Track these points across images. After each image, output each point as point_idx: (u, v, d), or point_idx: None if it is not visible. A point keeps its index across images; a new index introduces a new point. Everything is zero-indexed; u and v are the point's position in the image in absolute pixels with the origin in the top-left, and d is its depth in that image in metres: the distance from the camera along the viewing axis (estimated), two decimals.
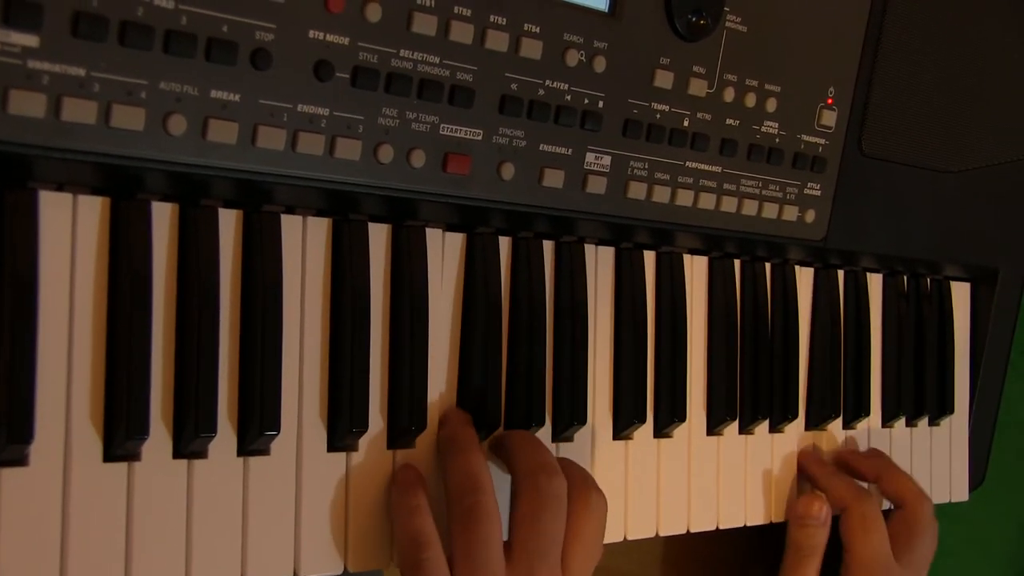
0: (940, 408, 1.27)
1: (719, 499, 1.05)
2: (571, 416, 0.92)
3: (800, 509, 1.08)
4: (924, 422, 1.25)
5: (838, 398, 1.15)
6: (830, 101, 1.02)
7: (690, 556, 1.32)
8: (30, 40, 0.62)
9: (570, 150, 0.86)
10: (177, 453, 0.73)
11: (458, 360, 0.87)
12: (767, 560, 1.14)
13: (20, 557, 0.66)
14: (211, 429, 0.73)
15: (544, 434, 0.91)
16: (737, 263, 1.06)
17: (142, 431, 0.70)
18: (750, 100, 0.95)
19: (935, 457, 1.27)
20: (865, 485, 1.13)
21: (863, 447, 1.19)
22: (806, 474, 1.12)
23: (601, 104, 0.87)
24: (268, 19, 0.70)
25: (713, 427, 1.04)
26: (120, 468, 0.71)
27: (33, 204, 0.67)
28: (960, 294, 1.29)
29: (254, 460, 0.76)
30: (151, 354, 0.71)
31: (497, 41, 0.80)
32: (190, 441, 0.72)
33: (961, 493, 1.31)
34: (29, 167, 0.66)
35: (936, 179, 1.14)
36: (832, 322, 1.14)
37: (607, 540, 0.92)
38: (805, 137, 1.01)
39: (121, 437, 0.69)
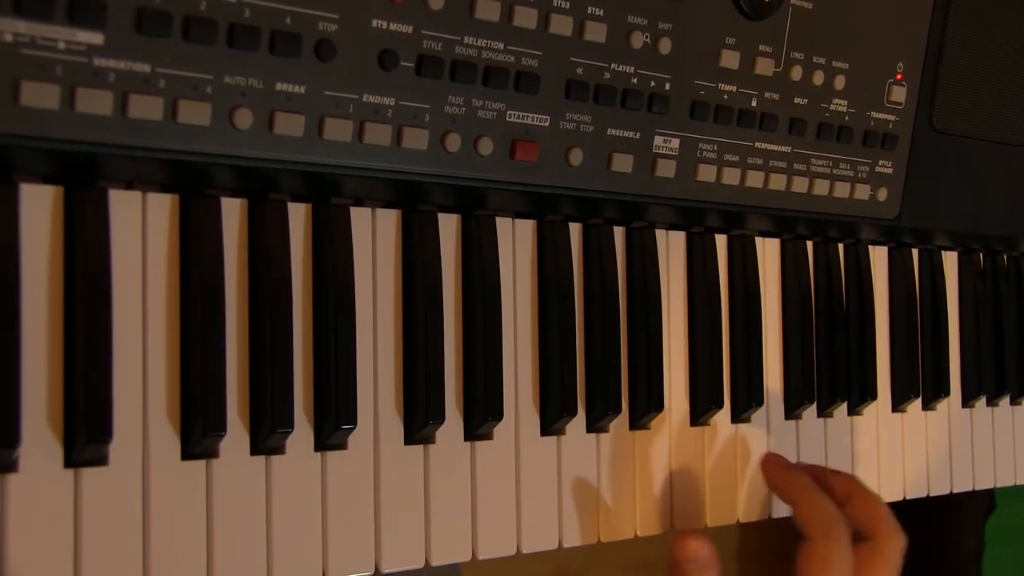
0: (1022, 386, 1.24)
1: None
2: (648, 403, 0.91)
3: (674, 553, 0.85)
4: (1006, 401, 1.23)
5: (917, 379, 1.13)
6: (899, 76, 1.00)
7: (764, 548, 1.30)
8: (95, 38, 0.62)
9: (638, 134, 0.85)
10: (255, 449, 0.73)
11: (537, 348, 0.86)
12: None
13: (103, 557, 0.67)
14: (288, 425, 0.72)
15: (621, 422, 0.90)
16: (809, 244, 1.05)
17: (219, 428, 0.70)
18: (818, 78, 0.94)
19: (1018, 437, 1.25)
20: None
21: (944, 428, 1.17)
22: (770, 484, 0.96)
23: (668, 86, 0.86)
24: (331, 10, 0.70)
25: (791, 411, 1.02)
26: (198, 466, 0.71)
27: (103, 203, 0.67)
28: None
29: (332, 455, 0.76)
30: (225, 351, 0.71)
31: (561, 25, 0.79)
32: (267, 437, 0.72)
33: None
34: (98, 165, 0.66)
35: (1010, 153, 1.11)
36: (908, 302, 1.12)
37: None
38: (875, 114, 0.99)
39: (199, 435, 0.69)
